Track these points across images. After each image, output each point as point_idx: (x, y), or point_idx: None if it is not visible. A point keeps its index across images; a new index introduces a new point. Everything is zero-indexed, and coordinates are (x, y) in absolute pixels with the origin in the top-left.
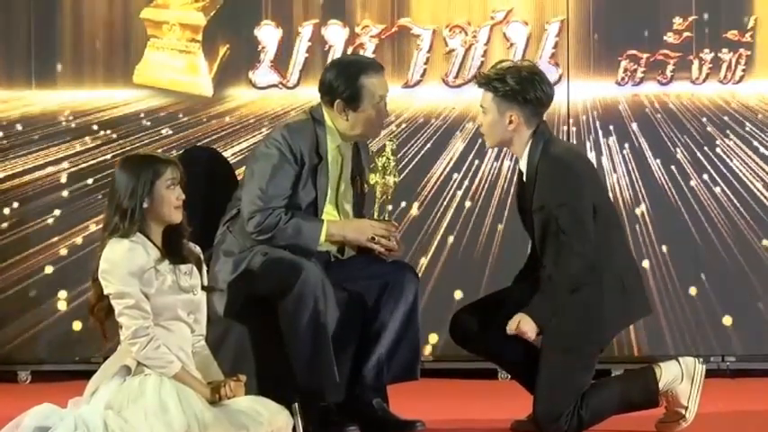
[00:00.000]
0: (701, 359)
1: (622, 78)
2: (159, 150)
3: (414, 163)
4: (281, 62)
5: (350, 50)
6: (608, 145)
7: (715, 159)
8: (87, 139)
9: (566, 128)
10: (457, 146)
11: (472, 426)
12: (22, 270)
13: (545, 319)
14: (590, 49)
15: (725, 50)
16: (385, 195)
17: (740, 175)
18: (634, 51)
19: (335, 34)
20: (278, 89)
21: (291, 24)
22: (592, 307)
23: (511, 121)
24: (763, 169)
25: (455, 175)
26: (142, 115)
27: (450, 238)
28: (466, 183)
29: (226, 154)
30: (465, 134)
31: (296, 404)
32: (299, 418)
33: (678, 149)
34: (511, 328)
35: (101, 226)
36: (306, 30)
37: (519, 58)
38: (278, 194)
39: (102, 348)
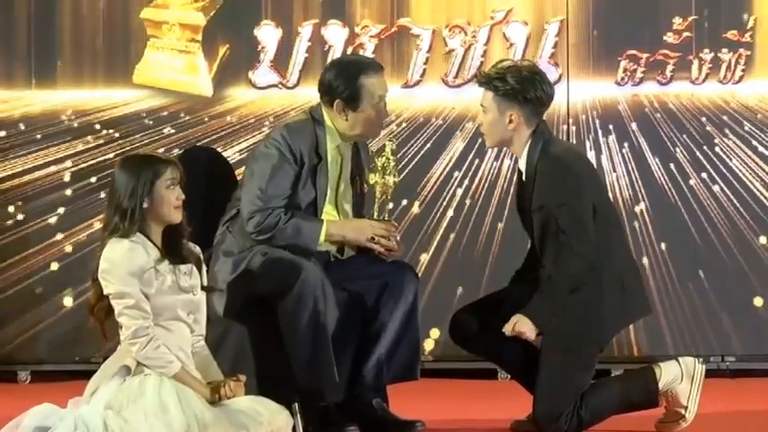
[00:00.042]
0: (701, 359)
1: (622, 78)
2: (159, 150)
3: (414, 162)
4: (280, 62)
5: (349, 50)
6: (607, 144)
7: (714, 158)
8: (89, 138)
9: (565, 127)
10: (457, 145)
11: (472, 426)
12: (23, 270)
13: (544, 319)
14: (590, 49)
15: (724, 50)
16: (385, 195)
17: (739, 173)
18: (634, 51)
19: (335, 34)
20: (278, 89)
21: (291, 24)
22: (592, 307)
23: (511, 121)
24: (762, 168)
25: (455, 174)
26: (144, 115)
27: (451, 236)
28: (466, 181)
29: (226, 154)
30: (465, 134)
31: (296, 404)
32: (299, 418)
33: (677, 149)
34: (508, 329)
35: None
36: (305, 30)
37: (519, 58)
38: (277, 194)
39: (101, 348)
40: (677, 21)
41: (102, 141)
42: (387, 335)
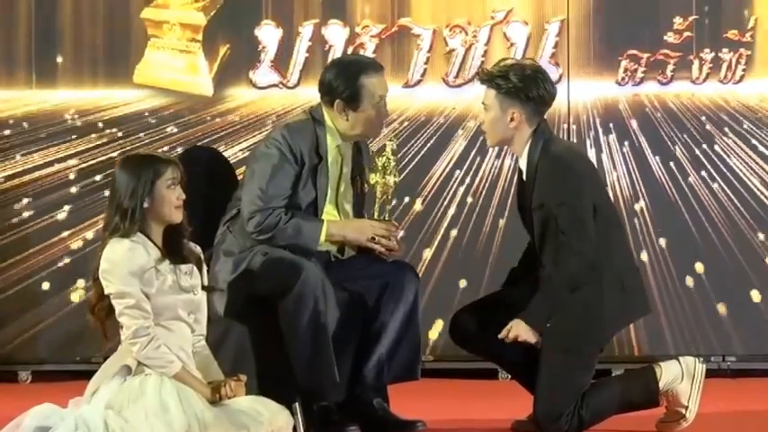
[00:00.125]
0: (702, 359)
1: (623, 78)
2: (160, 150)
3: (416, 160)
4: (281, 62)
5: (350, 50)
6: (608, 143)
7: (713, 157)
8: (91, 137)
9: (566, 126)
10: (458, 144)
11: (473, 426)
12: (23, 270)
13: (541, 323)
14: (590, 48)
15: (725, 50)
16: (385, 195)
17: (738, 171)
18: (634, 51)
19: (336, 34)
20: (278, 89)
21: (292, 24)
22: (592, 306)
23: (512, 119)
24: (761, 166)
25: (457, 172)
26: (145, 115)
27: (454, 232)
28: (468, 179)
29: (226, 154)
30: (467, 132)
31: (296, 404)
32: (300, 418)
33: (677, 147)
34: (503, 335)
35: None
36: (306, 29)
37: (519, 57)
38: (278, 194)
39: (102, 348)
40: (678, 20)
41: (104, 141)
42: (387, 335)
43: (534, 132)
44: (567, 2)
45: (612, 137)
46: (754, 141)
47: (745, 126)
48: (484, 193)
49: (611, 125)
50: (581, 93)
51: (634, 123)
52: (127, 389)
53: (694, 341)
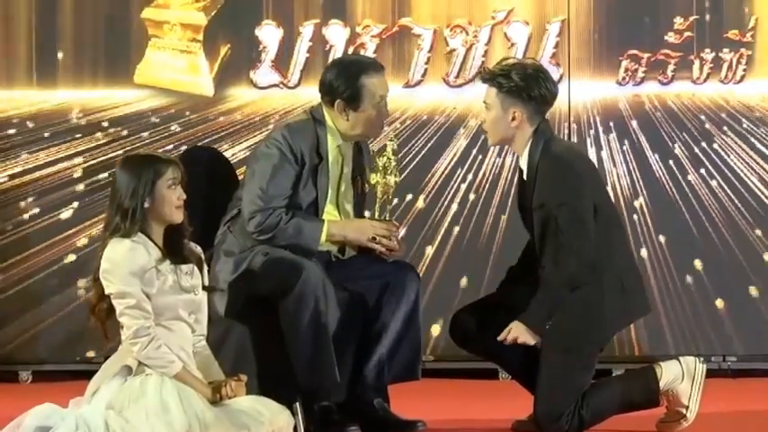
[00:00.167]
0: (702, 359)
1: (623, 78)
2: (160, 150)
3: (418, 159)
4: (281, 62)
5: (351, 50)
6: (608, 141)
7: (712, 155)
8: (90, 138)
9: (566, 124)
10: (460, 142)
11: (473, 426)
12: (24, 270)
13: (540, 324)
14: (591, 48)
15: (726, 50)
16: (386, 195)
17: (736, 169)
18: (635, 51)
19: (336, 34)
20: (279, 89)
21: (292, 24)
22: (592, 306)
23: (514, 118)
24: (759, 164)
25: (459, 170)
26: (146, 115)
27: (456, 229)
28: (470, 177)
29: (227, 154)
30: (468, 131)
31: (297, 404)
32: (301, 418)
33: (676, 145)
34: (503, 337)
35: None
36: (307, 29)
37: (520, 57)
38: (278, 194)
39: (103, 348)
40: (678, 20)
41: (103, 141)
42: (388, 335)
43: (535, 132)
44: (567, 2)
45: (612, 135)
46: (752, 140)
47: (744, 125)
48: (485, 190)
49: (611, 124)
50: (581, 93)
51: (634, 123)
52: (127, 389)
53: (695, 341)
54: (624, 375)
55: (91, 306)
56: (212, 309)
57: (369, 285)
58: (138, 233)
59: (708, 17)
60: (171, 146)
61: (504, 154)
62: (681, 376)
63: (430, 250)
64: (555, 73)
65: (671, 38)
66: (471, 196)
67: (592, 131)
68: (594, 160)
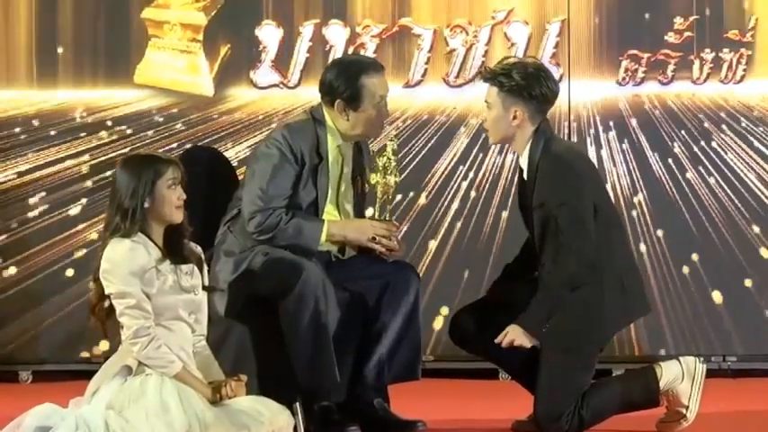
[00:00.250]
0: (702, 359)
1: (623, 78)
2: (160, 150)
3: (420, 157)
4: (281, 62)
5: (351, 50)
6: (607, 140)
7: (711, 153)
8: (89, 138)
9: (566, 123)
10: (461, 141)
11: (473, 426)
12: (24, 270)
13: (537, 327)
14: (591, 48)
15: (726, 50)
16: (386, 195)
17: (734, 167)
18: (635, 51)
19: (336, 34)
20: (279, 89)
21: (292, 24)
22: (592, 306)
23: (515, 117)
24: (757, 162)
25: (460, 168)
26: (147, 115)
27: (458, 224)
28: (471, 174)
29: (227, 154)
30: (469, 130)
31: (297, 404)
32: (301, 418)
33: (675, 144)
34: (500, 340)
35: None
36: (307, 29)
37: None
38: (278, 194)
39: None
40: (678, 20)
41: (103, 142)
42: (388, 335)
43: (536, 131)
44: (567, 2)
45: (612, 134)
46: (751, 138)
47: (743, 124)
48: (487, 187)
49: (611, 123)
50: (582, 93)
51: (634, 122)
52: (127, 389)
53: (695, 341)
54: (624, 375)
55: (91, 306)
56: (212, 309)
57: (369, 285)
58: (138, 233)
59: (708, 17)
60: (174, 144)
61: (504, 152)
62: (681, 376)
63: (433, 245)
64: (555, 73)
65: (671, 38)
66: (472, 194)
67: (592, 130)
68: (594, 159)
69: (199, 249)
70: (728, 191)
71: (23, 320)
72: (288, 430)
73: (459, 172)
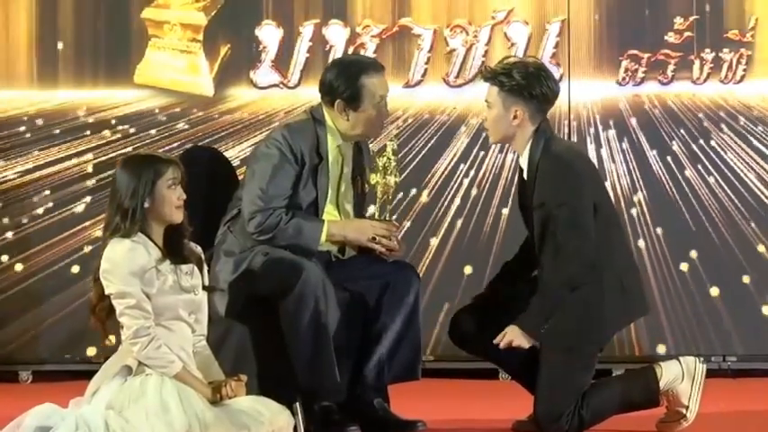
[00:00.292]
0: (702, 359)
1: (623, 78)
2: (160, 150)
3: (421, 156)
4: (281, 62)
5: (351, 50)
6: (607, 138)
7: (710, 152)
8: (89, 138)
9: (566, 122)
10: (461, 140)
11: (473, 426)
12: (26, 269)
13: (536, 328)
14: (591, 48)
15: (726, 50)
16: (386, 195)
17: (733, 166)
18: (635, 51)
19: (336, 34)
20: (279, 89)
21: (292, 24)
22: (592, 306)
23: (515, 116)
24: (756, 161)
25: (461, 166)
26: (147, 115)
27: (459, 222)
28: (472, 172)
29: (227, 154)
30: (469, 129)
31: (297, 404)
32: (301, 418)
33: (674, 142)
34: (498, 341)
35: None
36: (307, 29)
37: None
38: (278, 194)
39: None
40: (678, 20)
41: (101, 142)
42: (388, 335)
43: (536, 131)
44: (567, 2)
45: (612, 132)
46: (750, 137)
47: (741, 122)
48: (487, 185)
49: (610, 122)
50: (582, 93)
51: (633, 121)
52: (128, 389)
53: (695, 341)
54: (624, 375)
55: (91, 306)
56: (212, 309)
57: (369, 285)
58: (138, 233)
59: (708, 17)
60: (175, 144)
61: (505, 151)
62: (681, 376)
63: (434, 242)
64: (555, 73)
65: (671, 38)
66: (473, 191)
67: (591, 129)
68: (594, 158)
69: (199, 249)
70: (727, 189)
71: (24, 320)
72: (288, 430)
73: (459, 170)
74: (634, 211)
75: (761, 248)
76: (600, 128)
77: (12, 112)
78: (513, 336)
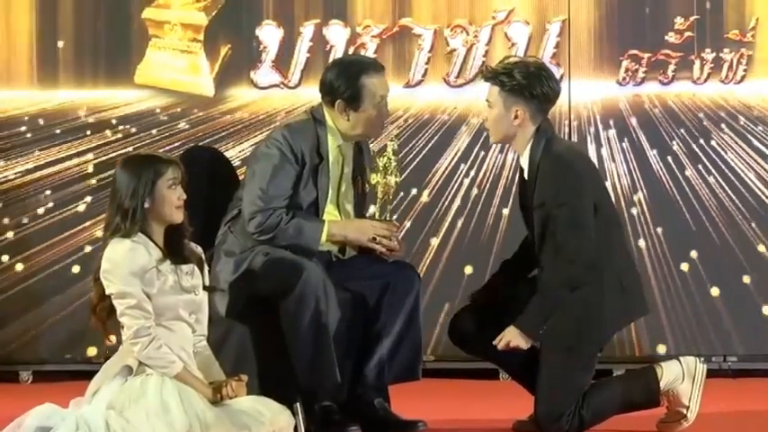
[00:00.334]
0: (703, 359)
1: (624, 78)
2: (161, 150)
3: (421, 156)
4: (282, 62)
5: (351, 50)
6: (607, 138)
7: (710, 151)
8: (89, 139)
9: (567, 122)
10: (462, 140)
11: (474, 426)
12: (26, 269)
13: (534, 329)
14: (591, 48)
15: (726, 50)
16: (386, 195)
17: (733, 165)
18: (635, 51)
19: (337, 34)
20: (279, 89)
21: (293, 24)
22: (592, 306)
23: (516, 116)
24: (755, 160)
25: (462, 166)
26: (147, 115)
27: (459, 221)
28: (472, 172)
29: (227, 154)
30: (470, 129)
31: (297, 404)
32: (301, 418)
33: (675, 142)
34: (496, 342)
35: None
36: (307, 30)
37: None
38: (279, 195)
39: (103, 348)
40: (679, 20)
41: (101, 142)
42: (388, 335)
43: (537, 131)
44: (568, 2)
45: (612, 132)
46: (749, 137)
47: (741, 122)
48: (488, 185)
49: (611, 122)
50: (582, 93)
51: (634, 121)
52: (128, 389)
53: (695, 341)
54: (624, 375)
55: (92, 306)
56: (213, 309)
57: (369, 285)
58: (138, 233)
59: (708, 17)
60: (176, 144)
61: (505, 151)
62: (681, 376)
63: (435, 242)
64: (555, 73)
65: (671, 38)
66: (474, 191)
67: (592, 129)
68: (594, 157)
69: (199, 249)
70: (728, 189)
71: (24, 320)
72: (288, 430)
73: (460, 170)
74: (634, 211)
75: (761, 248)
76: (600, 127)
77: (12, 112)
78: (511, 337)
